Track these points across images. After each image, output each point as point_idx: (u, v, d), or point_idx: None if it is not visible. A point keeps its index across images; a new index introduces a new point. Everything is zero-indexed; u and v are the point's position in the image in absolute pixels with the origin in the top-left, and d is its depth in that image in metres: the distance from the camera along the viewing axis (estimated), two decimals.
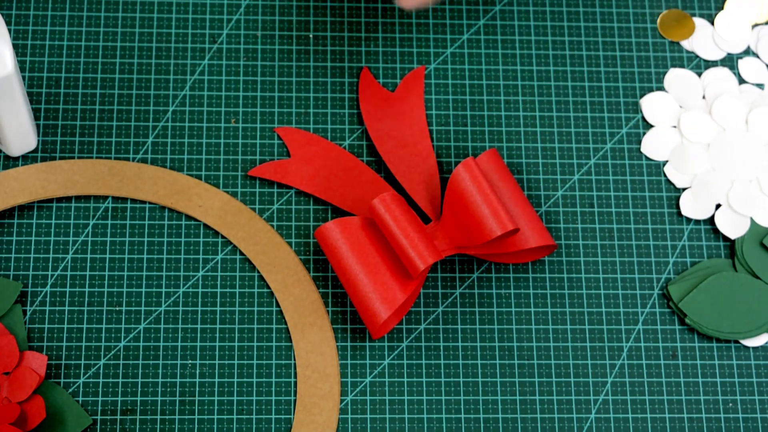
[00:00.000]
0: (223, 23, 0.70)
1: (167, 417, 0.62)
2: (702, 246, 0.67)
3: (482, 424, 0.63)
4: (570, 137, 0.69)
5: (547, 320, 0.65)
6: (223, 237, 0.66)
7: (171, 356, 0.63)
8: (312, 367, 0.63)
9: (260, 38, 0.70)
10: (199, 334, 0.64)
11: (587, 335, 0.65)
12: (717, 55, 0.71)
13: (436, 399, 0.64)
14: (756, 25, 0.72)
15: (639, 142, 0.69)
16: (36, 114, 0.67)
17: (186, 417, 0.62)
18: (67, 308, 0.64)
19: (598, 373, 0.64)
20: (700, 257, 0.67)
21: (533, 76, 0.70)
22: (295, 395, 0.63)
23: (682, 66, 0.71)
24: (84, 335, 0.63)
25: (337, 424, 0.63)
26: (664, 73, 0.71)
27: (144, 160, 0.67)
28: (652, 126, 0.70)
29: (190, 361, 0.63)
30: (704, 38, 0.71)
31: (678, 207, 0.68)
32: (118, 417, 0.62)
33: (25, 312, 0.64)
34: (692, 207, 0.68)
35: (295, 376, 0.63)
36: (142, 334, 0.64)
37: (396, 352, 0.64)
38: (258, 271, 0.65)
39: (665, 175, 0.69)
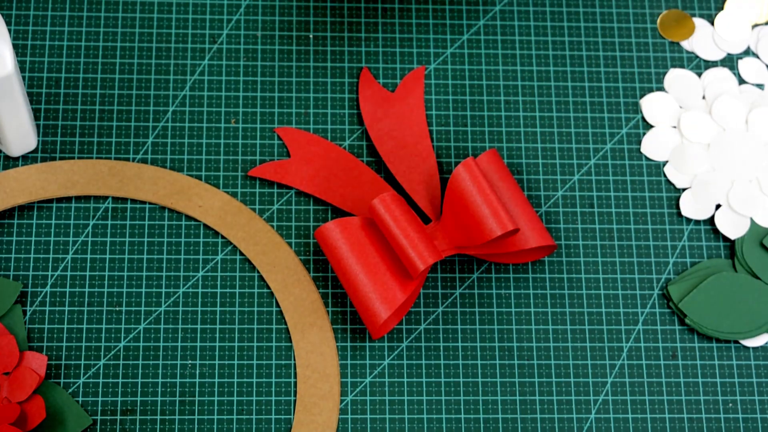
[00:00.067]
0: (223, 23, 0.70)
1: (167, 417, 0.62)
2: (702, 246, 0.67)
3: (482, 424, 0.63)
4: (570, 137, 0.69)
5: (547, 320, 0.65)
6: (223, 237, 0.66)
7: (171, 356, 0.63)
8: (312, 367, 0.63)
9: (260, 38, 0.70)
10: (199, 334, 0.64)
11: (587, 335, 0.65)
12: (717, 56, 0.71)
13: (436, 399, 0.64)
14: (756, 25, 0.72)
15: (639, 143, 0.69)
16: (36, 114, 0.67)
17: (186, 417, 0.62)
18: (67, 308, 0.64)
19: (598, 373, 0.64)
20: (700, 257, 0.67)
21: (533, 77, 0.70)
22: (295, 395, 0.63)
23: (682, 66, 0.71)
24: (84, 335, 0.63)
25: (337, 424, 0.63)
26: (664, 74, 0.71)
27: (144, 160, 0.67)
28: (652, 126, 0.70)
29: (190, 361, 0.63)
30: (704, 38, 0.72)
31: (678, 207, 0.68)
32: (118, 417, 0.62)
33: (25, 312, 0.64)
34: (692, 207, 0.68)
35: (295, 376, 0.63)
36: (142, 334, 0.64)
37: (396, 352, 0.64)
38: (258, 271, 0.65)
39: (665, 176, 0.69)
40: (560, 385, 0.64)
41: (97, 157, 0.67)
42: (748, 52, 0.71)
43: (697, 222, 0.68)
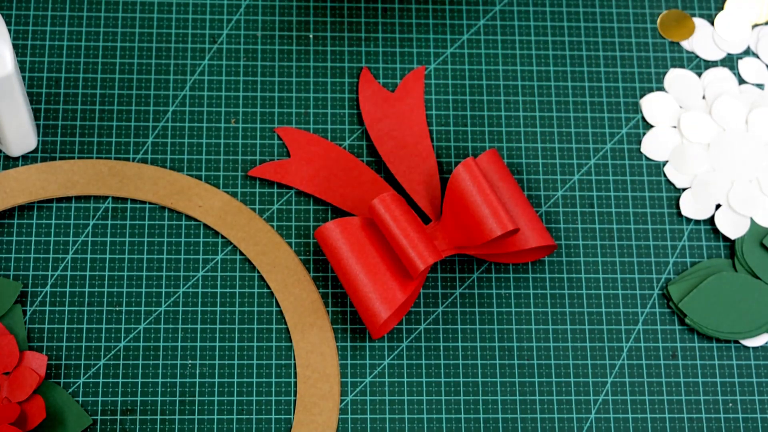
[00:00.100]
0: (223, 23, 0.70)
1: (167, 417, 0.62)
2: (702, 246, 0.67)
3: (482, 424, 0.63)
4: (570, 137, 0.69)
5: (547, 320, 0.65)
6: (223, 237, 0.66)
7: (171, 356, 0.63)
8: (312, 367, 0.63)
9: (260, 38, 0.70)
10: (199, 334, 0.64)
11: (587, 335, 0.65)
12: (717, 55, 0.71)
13: (436, 399, 0.64)
14: (756, 25, 0.72)
15: (639, 142, 0.69)
16: (36, 114, 0.67)
17: (186, 417, 0.62)
18: (67, 308, 0.64)
19: (598, 373, 0.64)
20: (700, 257, 0.67)
21: (533, 76, 0.70)
22: (295, 395, 0.63)
23: (682, 66, 0.71)
24: (84, 335, 0.63)
25: (337, 424, 0.63)
26: (664, 73, 0.71)
27: (144, 160, 0.67)
28: (652, 126, 0.70)
29: (190, 361, 0.63)
30: (704, 38, 0.72)
31: (678, 207, 0.68)
32: (118, 417, 0.62)
33: (25, 312, 0.64)
34: (692, 207, 0.68)
35: (295, 376, 0.63)
36: (142, 334, 0.64)
37: (396, 352, 0.64)
38: (258, 271, 0.65)
39: (665, 175, 0.69)
40: (560, 385, 0.64)
41: (97, 157, 0.67)
42: (748, 52, 0.71)
43: (697, 222, 0.68)
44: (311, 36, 0.70)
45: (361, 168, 0.67)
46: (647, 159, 0.69)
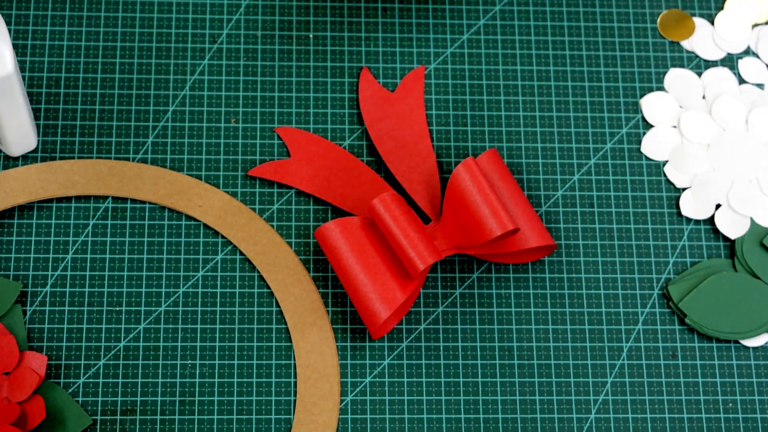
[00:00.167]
0: (223, 23, 0.70)
1: (167, 417, 0.62)
2: (702, 246, 0.67)
3: (482, 424, 0.63)
4: (570, 137, 0.69)
5: (547, 320, 0.65)
6: (223, 237, 0.66)
7: (171, 356, 0.63)
8: (312, 367, 0.63)
9: (260, 38, 0.70)
10: (199, 334, 0.64)
11: (587, 335, 0.65)
12: (717, 55, 0.71)
13: (436, 399, 0.64)
14: (756, 25, 0.72)
15: (639, 142, 0.69)
16: (36, 114, 0.67)
17: (186, 417, 0.62)
18: (67, 308, 0.64)
19: (598, 373, 0.64)
20: (700, 257, 0.67)
21: (533, 76, 0.70)
22: (295, 395, 0.63)
23: (682, 66, 0.71)
24: (84, 335, 0.63)
25: (337, 424, 0.63)
26: (664, 73, 0.71)
27: (144, 160, 0.67)
28: (652, 126, 0.70)
29: (190, 361, 0.63)
30: (704, 38, 0.71)
31: (678, 207, 0.68)
32: (118, 417, 0.62)
33: (25, 312, 0.64)
34: (692, 207, 0.68)
35: (295, 376, 0.63)
36: (142, 334, 0.64)
37: (396, 352, 0.64)
38: (258, 271, 0.65)
39: (665, 175, 0.69)
40: (560, 385, 0.64)
41: (97, 157, 0.67)
42: (748, 52, 0.71)
43: (697, 222, 0.68)
44: (311, 36, 0.70)
45: (361, 168, 0.67)
46: (647, 159, 0.69)
